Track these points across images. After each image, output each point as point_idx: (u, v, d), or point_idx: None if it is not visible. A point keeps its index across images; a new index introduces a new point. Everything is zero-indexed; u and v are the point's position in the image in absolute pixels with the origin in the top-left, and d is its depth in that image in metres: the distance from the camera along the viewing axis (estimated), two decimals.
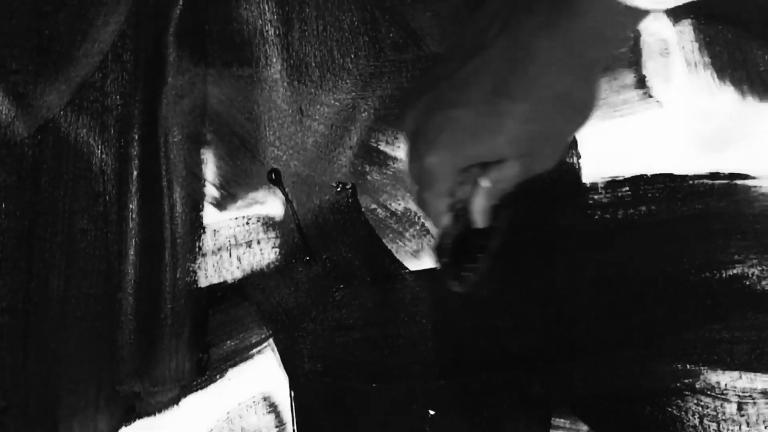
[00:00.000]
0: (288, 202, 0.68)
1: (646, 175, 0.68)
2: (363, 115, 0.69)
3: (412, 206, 0.68)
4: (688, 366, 0.64)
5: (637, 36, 0.69)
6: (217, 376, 0.67)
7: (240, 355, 0.67)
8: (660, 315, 0.65)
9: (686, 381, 0.64)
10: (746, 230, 0.66)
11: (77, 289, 0.67)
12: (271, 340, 0.67)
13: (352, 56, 0.70)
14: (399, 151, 0.68)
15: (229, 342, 0.67)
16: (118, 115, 0.69)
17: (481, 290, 0.58)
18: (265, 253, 0.68)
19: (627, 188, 0.68)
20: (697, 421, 0.63)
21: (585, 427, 0.65)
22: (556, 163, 0.50)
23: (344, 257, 0.68)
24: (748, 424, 0.63)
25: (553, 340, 0.65)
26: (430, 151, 0.48)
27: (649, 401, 0.64)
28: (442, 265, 0.58)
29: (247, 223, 0.68)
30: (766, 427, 0.63)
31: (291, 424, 0.67)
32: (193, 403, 0.67)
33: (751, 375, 0.64)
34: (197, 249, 0.68)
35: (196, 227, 0.68)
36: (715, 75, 0.69)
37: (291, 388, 0.67)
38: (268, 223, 0.69)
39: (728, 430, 0.63)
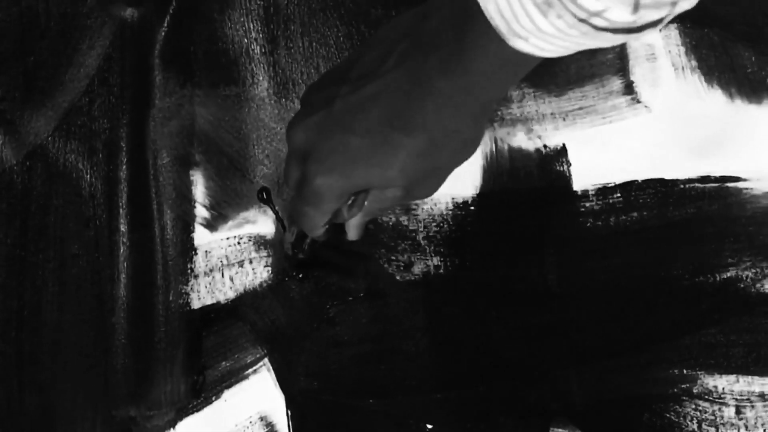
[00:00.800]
0: (279, 220, 0.68)
1: (636, 180, 0.68)
2: None
3: (403, 220, 0.68)
4: (685, 371, 0.64)
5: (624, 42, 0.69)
6: (213, 398, 0.67)
7: (235, 376, 0.67)
8: (655, 321, 0.65)
9: (683, 386, 0.64)
10: (739, 233, 0.66)
11: (70, 315, 0.67)
12: (266, 360, 0.67)
13: None
14: None
15: (223, 363, 0.67)
16: (106, 138, 0.69)
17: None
18: (257, 273, 0.68)
19: (618, 194, 0.68)
20: (695, 426, 0.63)
21: None
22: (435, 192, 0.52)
23: (337, 273, 0.68)
24: (746, 427, 0.63)
25: (548, 350, 0.65)
26: (322, 173, 0.49)
27: (646, 408, 0.64)
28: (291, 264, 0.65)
29: (239, 243, 0.68)
30: (765, 431, 0.62)
31: None
32: (189, 425, 0.66)
33: (749, 378, 0.63)
34: (189, 271, 0.68)
35: (188, 249, 0.68)
36: (702, 78, 0.69)
37: (288, 407, 0.66)
38: (260, 242, 0.68)
39: None
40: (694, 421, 0.63)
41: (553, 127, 0.69)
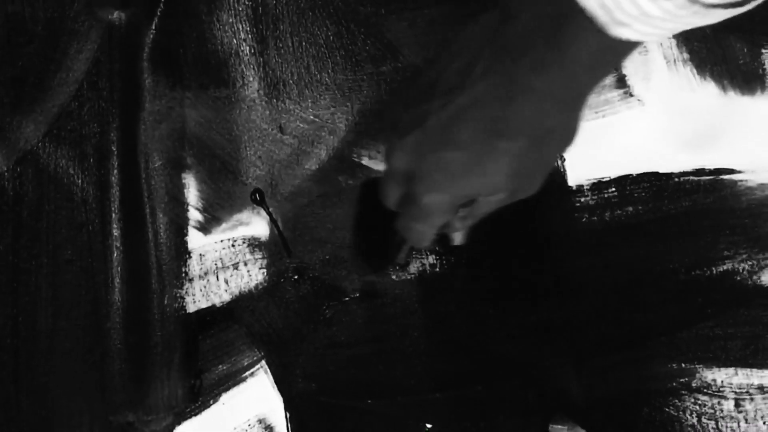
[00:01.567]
0: (273, 221, 0.67)
1: (631, 174, 0.67)
2: (343, 129, 0.69)
3: None
4: (684, 365, 0.64)
5: None
6: (211, 402, 0.66)
7: (233, 379, 0.67)
8: (652, 316, 0.65)
9: (682, 380, 0.64)
10: (734, 225, 0.66)
11: (65, 321, 0.66)
12: (263, 362, 0.67)
13: (330, 71, 0.69)
14: (381, 164, 0.68)
15: (221, 366, 0.67)
16: (97, 143, 0.68)
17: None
18: (252, 275, 0.68)
19: (613, 189, 0.67)
20: (695, 420, 0.63)
21: None
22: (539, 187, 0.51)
23: (332, 274, 0.67)
24: (746, 420, 0.63)
25: (546, 347, 0.65)
26: (428, 192, 0.49)
27: (646, 402, 0.64)
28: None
29: (233, 246, 0.68)
30: (764, 423, 0.62)
31: None
32: (187, 430, 0.66)
33: (747, 371, 0.63)
34: (184, 274, 0.67)
35: (182, 252, 0.68)
36: (695, 71, 0.68)
37: (286, 409, 0.66)
38: (254, 244, 0.68)
39: (727, 427, 0.63)
40: (694, 415, 0.63)
41: None
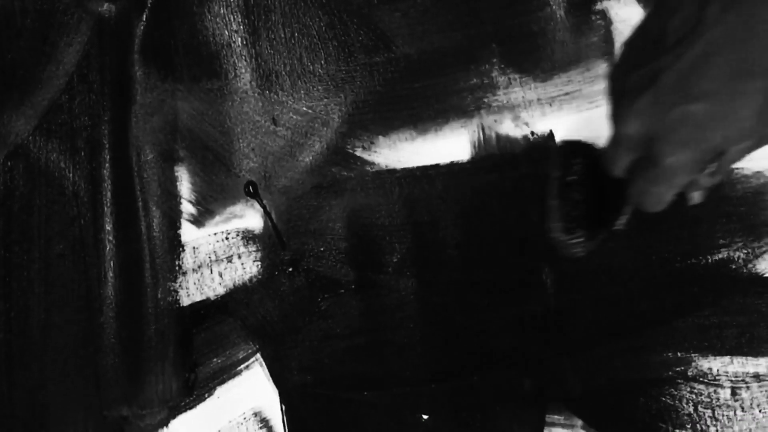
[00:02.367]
0: (266, 214, 0.67)
1: None
2: (337, 120, 0.68)
3: (400, 216, 0.67)
4: (680, 354, 0.64)
5: (608, 24, 0.68)
6: (206, 395, 0.66)
7: (227, 372, 0.66)
8: (648, 305, 0.64)
9: (678, 369, 0.63)
10: (730, 213, 0.66)
11: (58, 315, 0.66)
12: (258, 355, 0.66)
13: (322, 62, 0.69)
14: (375, 155, 0.68)
15: (215, 360, 0.66)
16: (88, 136, 0.68)
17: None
18: (246, 268, 0.67)
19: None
20: (691, 409, 0.63)
21: (579, 422, 0.64)
22: None
23: (327, 266, 0.67)
24: (742, 408, 0.63)
25: (542, 338, 0.65)
26: (672, 152, 0.47)
27: (642, 392, 0.63)
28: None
29: (227, 238, 0.68)
30: (760, 411, 0.62)
31: None
32: (182, 423, 0.66)
33: (743, 359, 0.63)
34: (177, 267, 0.67)
35: (175, 245, 0.67)
36: None
37: (281, 401, 0.66)
38: (248, 237, 0.68)
39: (723, 415, 0.63)
40: (690, 404, 0.63)
41: (540, 113, 0.68)
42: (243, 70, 0.69)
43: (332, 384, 0.66)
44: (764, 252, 0.64)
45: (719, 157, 0.48)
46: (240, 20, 0.69)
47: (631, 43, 0.51)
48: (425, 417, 0.65)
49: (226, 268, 0.67)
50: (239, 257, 0.67)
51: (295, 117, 0.68)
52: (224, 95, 0.69)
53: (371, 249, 0.67)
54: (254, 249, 0.68)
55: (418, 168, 0.68)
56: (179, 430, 0.66)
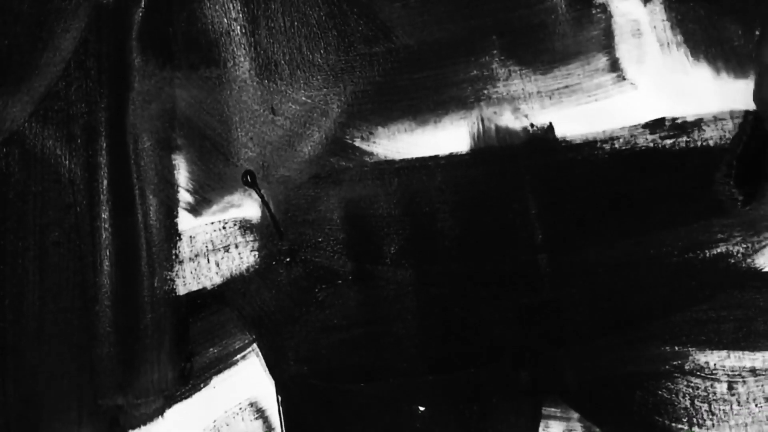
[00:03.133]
0: (264, 203, 0.67)
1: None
2: (336, 111, 0.68)
3: (398, 207, 0.67)
4: (677, 348, 0.64)
5: (608, 18, 0.68)
6: (202, 385, 0.66)
7: (224, 362, 0.66)
8: (645, 298, 0.65)
9: (675, 363, 0.64)
10: (729, 208, 0.66)
11: (53, 303, 0.66)
12: (254, 345, 0.66)
13: (322, 52, 0.69)
14: (374, 146, 0.67)
15: (211, 349, 0.66)
16: (85, 123, 0.67)
17: None
18: (243, 257, 0.67)
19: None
20: (688, 403, 0.63)
21: (576, 415, 0.64)
22: None
23: (325, 256, 0.67)
24: (739, 403, 0.63)
25: (539, 330, 0.65)
26: None
27: (639, 385, 0.64)
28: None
29: (224, 228, 0.67)
30: (756, 406, 0.63)
31: (279, 429, 0.66)
32: (178, 413, 0.66)
33: (739, 353, 0.63)
34: (174, 256, 0.67)
35: (172, 234, 0.67)
36: (688, 53, 0.68)
37: (278, 392, 0.66)
38: (246, 226, 0.67)
39: (719, 410, 0.63)
40: (687, 398, 0.63)
41: (539, 105, 0.68)
42: (242, 59, 0.69)
43: (329, 375, 0.65)
44: (763, 247, 0.65)
45: None
46: (239, 8, 0.69)
47: None
48: (422, 409, 0.65)
49: (223, 258, 0.67)
50: (236, 247, 0.67)
51: (293, 107, 0.68)
52: (223, 84, 0.68)
53: (369, 240, 0.67)
54: (251, 239, 0.67)
55: (417, 159, 0.67)
56: (174, 420, 0.66)
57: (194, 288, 0.66)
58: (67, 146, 0.67)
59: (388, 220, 0.67)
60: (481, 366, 0.65)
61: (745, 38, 0.68)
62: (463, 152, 0.67)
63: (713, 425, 0.63)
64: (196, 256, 0.67)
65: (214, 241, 0.67)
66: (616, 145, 0.66)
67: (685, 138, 0.66)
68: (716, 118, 0.66)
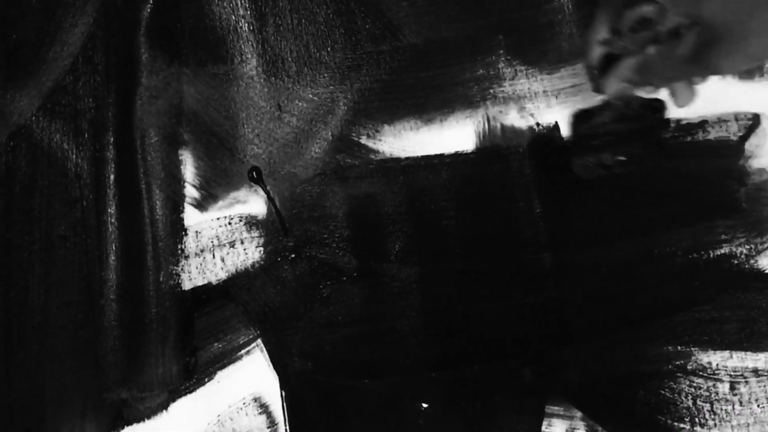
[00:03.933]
0: (270, 200, 0.67)
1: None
2: (342, 108, 0.68)
3: (403, 205, 0.67)
4: (679, 348, 0.64)
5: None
6: (206, 380, 0.66)
7: (228, 357, 0.66)
8: (649, 298, 0.65)
9: (678, 363, 0.64)
10: (733, 209, 0.66)
11: (58, 297, 0.66)
12: (259, 341, 0.66)
13: (329, 49, 0.69)
14: (380, 144, 0.68)
15: (216, 344, 0.66)
16: (92, 118, 0.68)
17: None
18: (249, 253, 0.67)
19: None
20: (690, 403, 0.63)
21: (579, 414, 0.64)
22: None
23: (330, 253, 0.67)
24: (741, 403, 0.63)
25: (543, 329, 0.65)
26: None
27: (641, 385, 0.64)
28: None
29: (230, 223, 0.67)
30: (758, 406, 0.63)
31: (283, 424, 0.66)
32: (182, 407, 0.66)
33: (742, 354, 0.64)
34: (179, 251, 0.67)
35: (178, 229, 0.67)
36: None
37: (281, 387, 0.66)
38: (251, 222, 0.68)
39: (721, 409, 0.63)
40: (689, 398, 0.63)
41: (545, 104, 0.68)
42: (249, 56, 0.69)
43: (333, 371, 0.66)
44: (767, 248, 0.65)
45: None
46: (247, 5, 0.69)
47: None
48: (425, 405, 0.65)
49: (228, 253, 0.67)
50: (242, 242, 0.67)
51: (300, 104, 0.68)
52: (230, 80, 0.69)
53: (374, 237, 0.67)
54: (257, 235, 0.67)
55: (423, 157, 0.68)
56: (178, 414, 0.66)
57: (199, 283, 0.67)
58: (75, 141, 0.67)
59: (393, 218, 0.67)
60: (484, 364, 0.65)
61: None
62: (469, 151, 0.68)
63: (715, 425, 0.63)
64: (202, 251, 0.67)
65: (219, 236, 0.67)
66: None
67: (689, 138, 0.66)
68: (720, 120, 0.66)
